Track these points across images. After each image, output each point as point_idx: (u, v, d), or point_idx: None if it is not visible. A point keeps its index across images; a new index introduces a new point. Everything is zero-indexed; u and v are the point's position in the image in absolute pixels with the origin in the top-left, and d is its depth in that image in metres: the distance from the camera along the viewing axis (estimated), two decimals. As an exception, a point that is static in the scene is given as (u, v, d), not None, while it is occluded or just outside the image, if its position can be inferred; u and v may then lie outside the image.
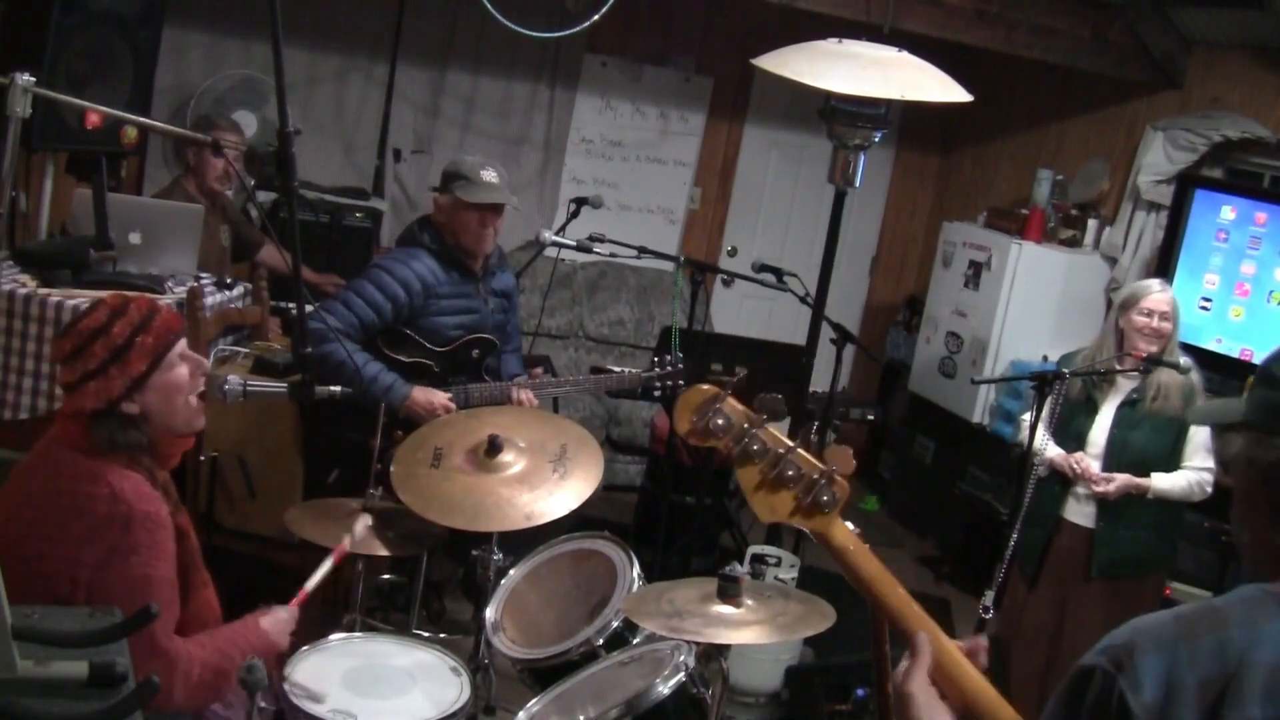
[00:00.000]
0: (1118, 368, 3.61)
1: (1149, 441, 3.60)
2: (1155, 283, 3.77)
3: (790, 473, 1.37)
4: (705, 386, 1.39)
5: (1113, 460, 3.62)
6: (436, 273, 3.58)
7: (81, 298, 3.12)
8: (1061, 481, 3.70)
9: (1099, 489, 3.57)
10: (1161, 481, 3.56)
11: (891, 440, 6.56)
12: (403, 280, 3.52)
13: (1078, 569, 3.68)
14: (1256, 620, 1.22)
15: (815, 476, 1.38)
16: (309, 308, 2.99)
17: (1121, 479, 3.55)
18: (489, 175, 3.59)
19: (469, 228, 3.58)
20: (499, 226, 3.65)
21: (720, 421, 1.38)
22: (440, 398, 3.50)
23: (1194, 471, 3.59)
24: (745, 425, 1.38)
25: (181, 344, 2.18)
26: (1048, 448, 3.69)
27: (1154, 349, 3.58)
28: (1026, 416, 3.86)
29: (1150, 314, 3.62)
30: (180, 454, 2.25)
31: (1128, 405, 3.63)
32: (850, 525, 1.45)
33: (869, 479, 6.66)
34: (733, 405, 1.39)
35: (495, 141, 6.04)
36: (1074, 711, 1.22)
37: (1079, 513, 3.70)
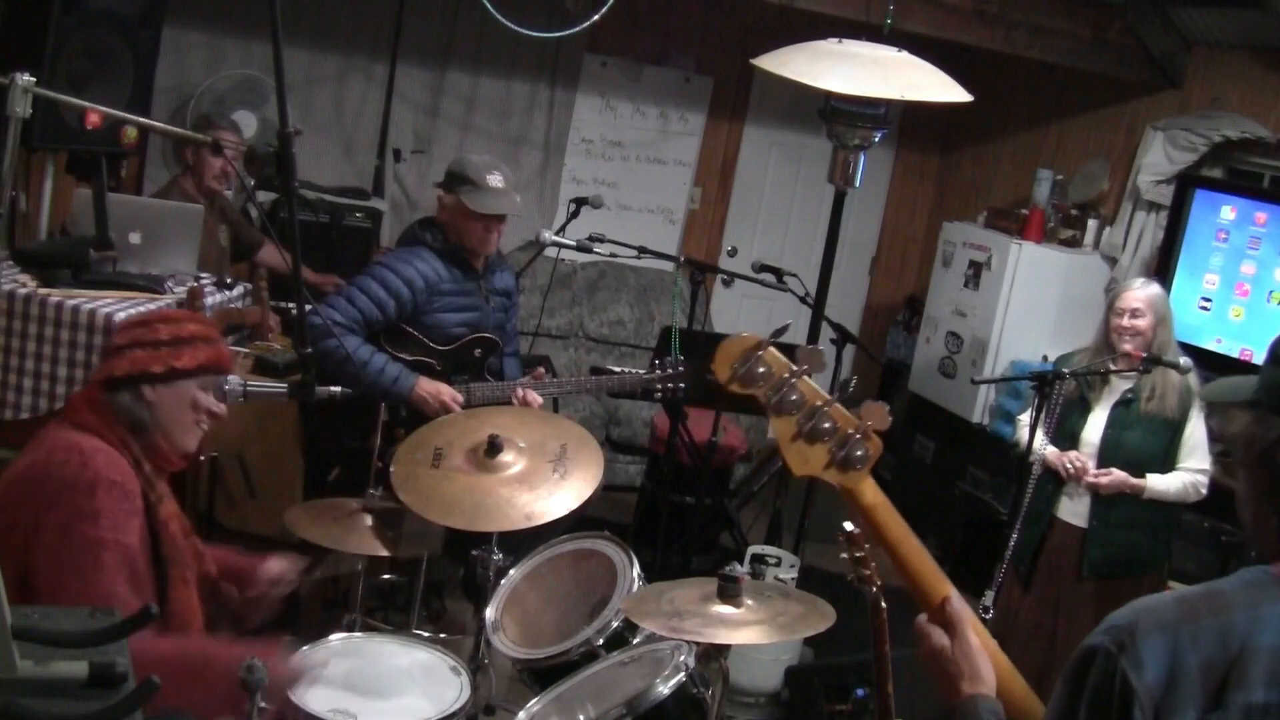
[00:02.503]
0: (1113, 368, 3.60)
1: (1143, 442, 3.59)
2: (1136, 280, 3.78)
3: (825, 426, 1.37)
4: (747, 335, 1.40)
5: (1106, 460, 3.61)
6: (439, 270, 3.59)
7: (81, 297, 3.12)
8: (1055, 481, 3.70)
9: (1092, 479, 3.56)
10: (1156, 482, 3.56)
11: (891, 440, 6.55)
12: (406, 279, 3.52)
13: (1070, 568, 3.68)
14: (1258, 603, 1.23)
15: (850, 432, 1.38)
16: (309, 306, 2.99)
17: (1117, 475, 3.54)
18: (496, 180, 3.57)
19: (474, 232, 3.59)
20: (503, 229, 3.67)
21: (760, 370, 1.38)
22: (446, 389, 3.52)
23: (1189, 473, 3.58)
24: (784, 376, 1.38)
25: (220, 380, 2.27)
26: (1046, 447, 3.69)
27: (1128, 347, 3.58)
28: (1024, 416, 3.87)
29: (1121, 312, 3.62)
30: (168, 469, 2.26)
31: (1122, 405, 3.63)
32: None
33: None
34: (773, 355, 1.39)
35: (495, 141, 6.04)
36: (1077, 691, 1.22)
37: (1071, 512, 3.70)
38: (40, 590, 2.00)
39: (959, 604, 1.40)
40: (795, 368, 1.38)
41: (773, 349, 1.39)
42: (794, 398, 1.37)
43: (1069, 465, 3.62)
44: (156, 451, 2.21)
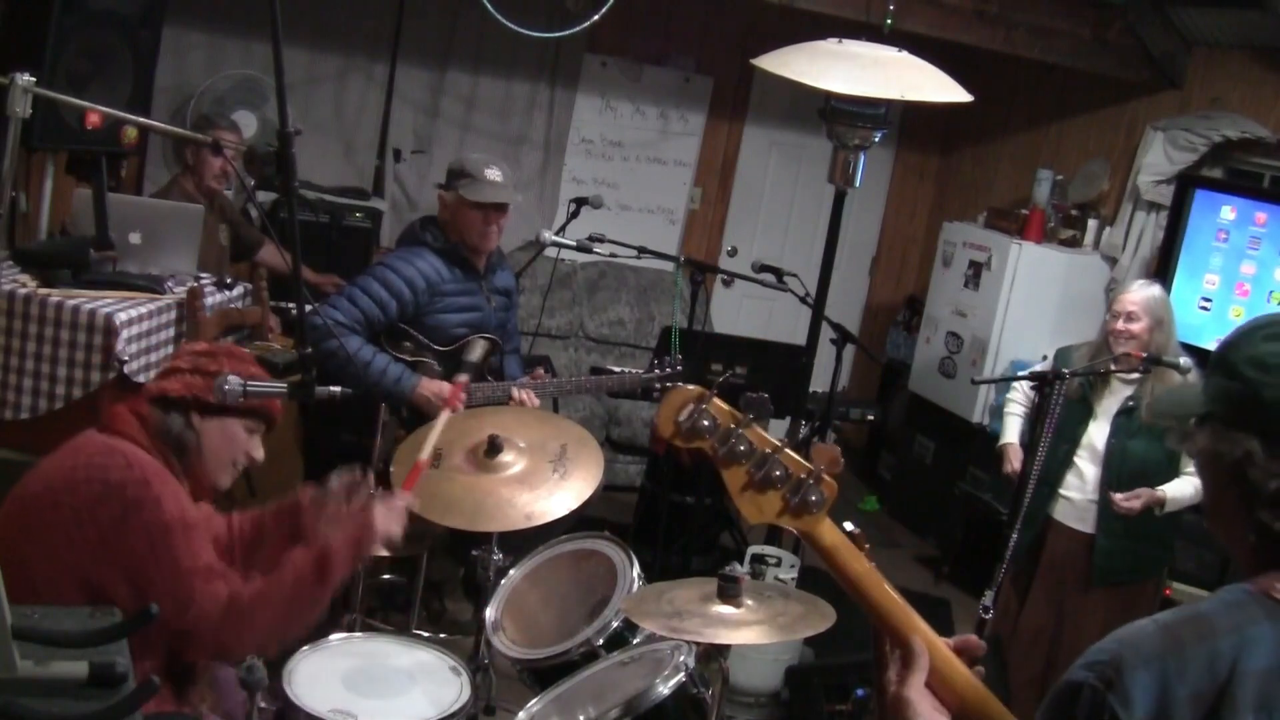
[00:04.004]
0: (1113, 368, 3.59)
1: (1148, 450, 3.58)
2: (1136, 282, 3.78)
3: (777, 473, 1.34)
4: (690, 387, 1.36)
5: (1114, 470, 3.61)
6: (441, 270, 3.60)
7: (81, 297, 3.12)
8: (1050, 483, 3.69)
9: (1125, 505, 3.53)
10: (1174, 492, 3.55)
11: (891, 440, 6.55)
12: (408, 279, 3.53)
13: (1076, 574, 3.67)
14: (1242, 626, 1.21)
15: (802, 477, 1.35)
16: (310, 307, 2.99)
17: (1145, 495, 3.53)
18: (493, 174, 3.60)
19: (473, 226, 3.60)
20: (503, 224, 3.67)
21: (705, 423, 1.34)
22: (449, 388, 3.52)
23: (1198, 477, 3.57)
24: (731, 425, 1.34)
25: (264, 429, 2.32)
26: (1006, 433, 3.86)
27: (1122, 350, 3.57)
28: (1013, 405, 3.94)
29: (1117, 315, 3.62)
30: (195, 493, 2.29)
31: (1124, 414, 3.62)
32: (849, 525, 1.44)
33: (869, 479, 6.66)
34: (718, 406, 1.35)
35: (495, 141, 6.04)
36: None
37: (1073, 516, 3.69)
38: (127, 591, 2.03)
39: (917, 650, 1.35)
40: (741, 416, 1.35)
41: (717, 400, 1.35)
42: (742, 447, 1.34)
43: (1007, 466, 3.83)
44: (194, 478, 2.24)
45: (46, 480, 2.12)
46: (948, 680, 1.36)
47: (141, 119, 3.34)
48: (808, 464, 1.36)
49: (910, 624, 1.38)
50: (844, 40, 3.40)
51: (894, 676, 1.36)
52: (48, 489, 2.10)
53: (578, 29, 4.75)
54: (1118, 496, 3.53)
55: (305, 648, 2.51)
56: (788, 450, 1.36)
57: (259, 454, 2.33)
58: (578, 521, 3.07)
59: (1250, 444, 1.23)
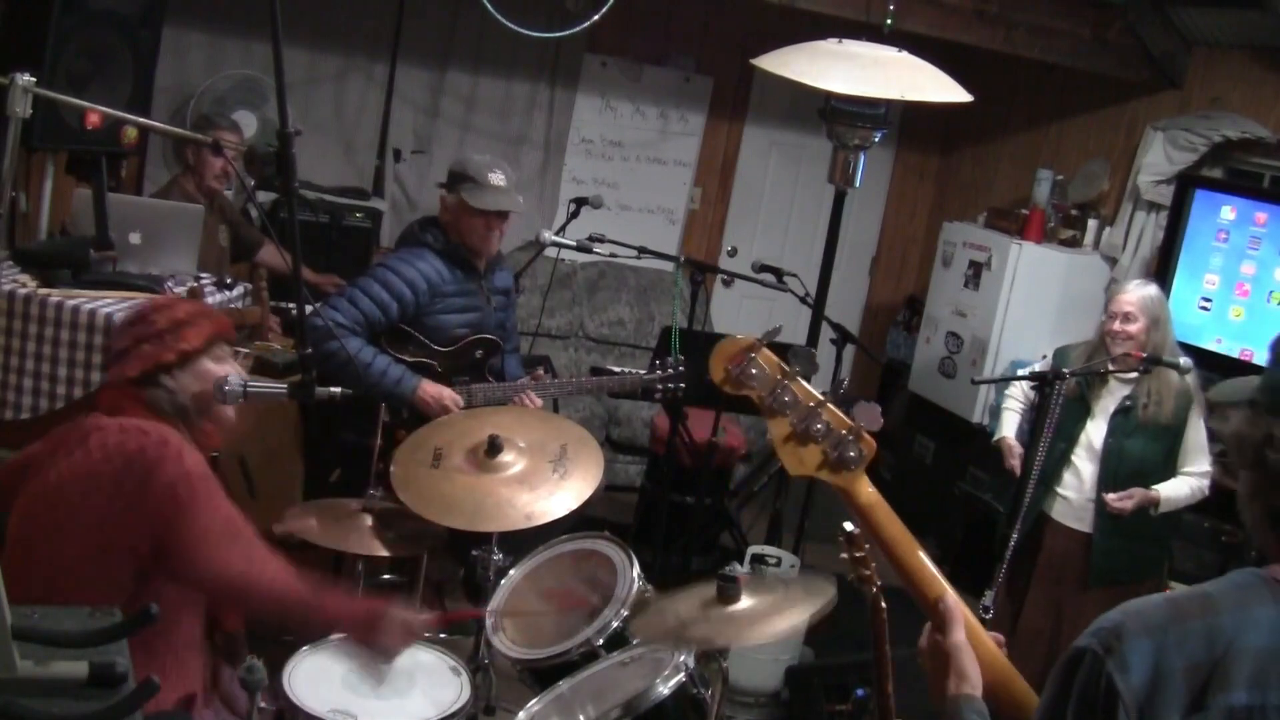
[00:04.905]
0: (1113, 368, 3.59)
1: (1145, 449, 3.59)
2: (1132, 282, 3.78)
3: (819, 427, 1.39)
4: (741, 337, 1.41)
5: (1110, 469, 3.61)
6: (442, 271, 3.60)
7: (81, 297, 3.12)
8: (1046, 481, 3.69)
9: (1118, 504, 3.53)
10: (1169, 492, 3.55)
11: (891, 440, 6.55)
12: (409, 280, 3.53)
13: (1074, 574, 3.67)
14: (1247, 605, 1.23)
15: (843, 432, 1.39)
16: (310, 307, 3.00)
17: (1138, 495, 3.53)
18: (497, 178, 3.59)
19: (475, 231, 3.60)
20: (505, 228, 3.67)
21: (754, 372, 1.39)
22: (448, 392, 3.53)
23: (1194, 478, 3.58)
24: (778, 377, 1.39)
25: (228, 348, 2.31)
26: (1003, 427, 3.85)
27: (1120, 350, 3.57)
28: (1011, 401, 3.92)
29: (1114, 315, 3.62)
30: (208, 444, 2.30)
31: (1121, 413, 3.62)
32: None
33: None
34: (767, 357, 1.40)
35: (495, 141, 6.04)
36: (1065, 691, 1.23)
37: (1070, 516, 3.69)
38: (148, 550, 2.04)
39: (951, 603, 1.40)
40: (788, 369, 1.39)
41: (766, 351, 1.40)
42: (787, 399, 1.39)
43: (1010, 460, 3.80)
44: (203, 434, 2.25)
45: (73, 473, 2.10)
46: (975, 649, 1.39)
47: (141, 119, 3.34)
48: (849, 420, 1.39)
49: (940, 588, 1.43)
50: (844, 40, 3.40)
51: (928, 636, 1.40)
52: (74, 480, 2.09)
53: (578, 29, 4.75)
54: (1110, 496, 3.54)
55: (305, 648, 2.51)
56: (830, 406, 1.40)
57: (237, 370, 2.32)
58: (578, 521, 3.07)
59: (1276, 428, 1.25)
